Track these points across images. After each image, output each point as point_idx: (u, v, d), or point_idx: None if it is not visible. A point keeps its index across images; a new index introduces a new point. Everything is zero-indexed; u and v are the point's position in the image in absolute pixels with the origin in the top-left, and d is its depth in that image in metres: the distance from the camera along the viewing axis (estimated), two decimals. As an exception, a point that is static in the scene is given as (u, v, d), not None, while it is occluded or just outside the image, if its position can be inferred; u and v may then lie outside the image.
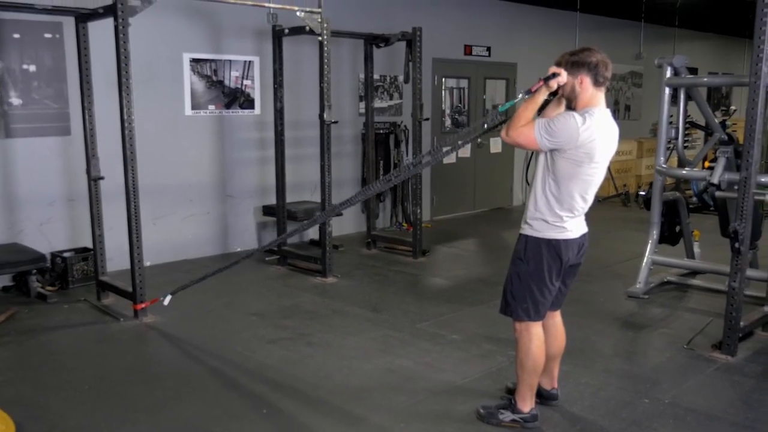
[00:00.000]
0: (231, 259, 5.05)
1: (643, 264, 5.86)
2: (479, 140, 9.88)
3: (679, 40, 13.06)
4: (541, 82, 3.25)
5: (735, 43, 15.08)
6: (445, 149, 3.88)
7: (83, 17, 5.34)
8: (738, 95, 15.33)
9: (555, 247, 3.32)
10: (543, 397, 3.71)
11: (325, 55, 5.97)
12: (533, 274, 3.36)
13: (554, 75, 3.22)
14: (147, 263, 5.76)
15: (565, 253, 3.34)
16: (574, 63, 3.24)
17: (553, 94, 3.32)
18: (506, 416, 3.52)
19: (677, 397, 3.84)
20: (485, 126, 4.09)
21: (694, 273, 6.18)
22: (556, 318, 3.65)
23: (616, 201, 10.84)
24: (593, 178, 3.28)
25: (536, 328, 3.43)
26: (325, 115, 6.05)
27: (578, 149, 3.15)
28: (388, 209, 8.81)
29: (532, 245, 3.36)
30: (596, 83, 3.24)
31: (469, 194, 10.04)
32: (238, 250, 7.39)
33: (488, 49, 9.83)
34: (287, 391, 3.96)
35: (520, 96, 3.35)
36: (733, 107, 12.81)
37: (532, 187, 3.40)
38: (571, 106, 3.29)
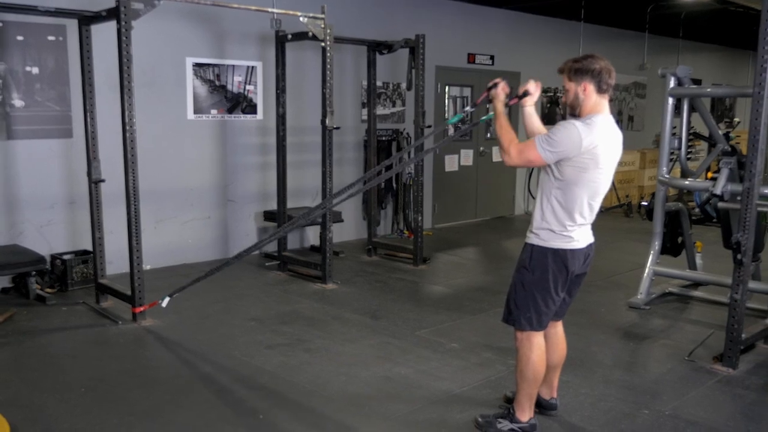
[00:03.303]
0: (231, 264, 5.01)
1: (645, 275, 5.84)
2: (481, 149, 9.88)
3: (683, 52, 13.05)
4: (486, 93, 3.46)
5: (739, 55, 15.07)
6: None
7: (86, 20, 5.34)
8: (742, 107, 15.32)
9: (561, 256, 3.29)
10: (542, 406, 3.68)
11: (328, 61, 5.97)
12: (538, 284, 3.33)
13: (495, 85, 3.41)
14: (147, 267, 5.75)
15: (572, 263, 3.31)
16: (577, 70, 3.23)
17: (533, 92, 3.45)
18: (504, 425, 3.48)
19: (678, 409, 3.81)
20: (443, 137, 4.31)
21: (696, 284, 6.15)
22: (558, 328, 3.62)
23: (618, 211, 10.81)
24: (599, 184, 3.25)
25: (537, 338, 3.40)
26: (327, 121, 6.04)
27: (582, 155, 3.13)
28: (389, 216, 8.79)
29: (537, 254, 3.33)
30: (600, 90, 3.22)
31: (471, 203, 10.02)
32: (239, 255, 7.36)
33: (492, 57, 9.83)
34: (284, 398, 3.93)
35: (467, 109, 3.59)
36: (736, 119, 12.80)
37: (537, 196, 3.38)
38: (575, 114, 3.28)
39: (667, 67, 5.69)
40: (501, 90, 3.42)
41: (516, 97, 3.48)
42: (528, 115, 3.56)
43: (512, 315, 3.43)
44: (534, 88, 3.46)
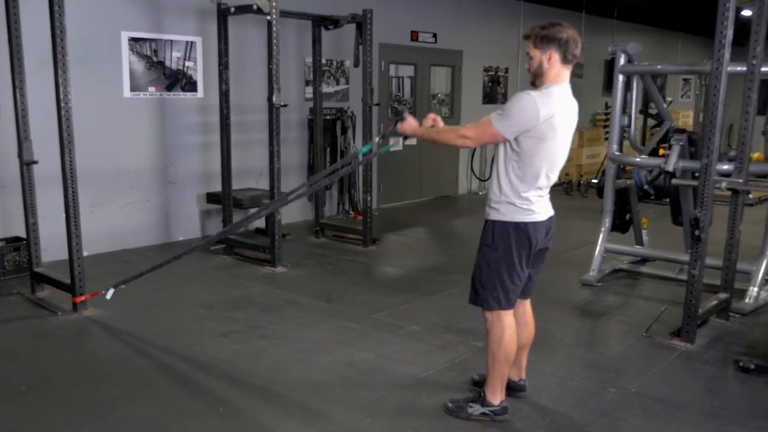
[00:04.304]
0: (173, 249, 4.79)
1: (596, 252, 5.87)
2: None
3: (618, 32, 13.24)
4: (392, 126, 3.54)
5: (669, 37, 15.41)
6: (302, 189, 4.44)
7: (14, -11, 4.96)
8: (672, 87, 15.68)
9: (523, 230, 3.21)
10: (511, 388, 3.60)
11: (275, 35, 5.72)
12: (502, 260, 3.25)
13: (403, 118, 3.47)
14: (85, 253, 5.42)
15: (534, 235, 3.23)
16: (543, 37, 3.13)
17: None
18: (476, 409, 3.40)
19: (643, 386, 3.81)
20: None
21: (643, 260, 6.22)
22: (526, 306, 3.55)
23: (558, 189, 10.93)
24: (557, 155, 3.19)
25: (508, 317, 3.32)
26: (274, 99, 5.82)
27: (540, 125, 3.05)
28: (334, 197, 8.62)
29: (499, 230, 3.24)
30: (564, 60, 3.15)
31: (415, 182, 9.94)
32: (181, 239, 7.08)
33: (434, 35, 9.72)
34: (243, 387, 3.76)
35: (377, 139, 3.77)
36: (669, 98, 13.11)
37: (493, 169, 3.29)
38: (535, 83, 3.20)
39: (617, 44, 5.70)
40: (409, 118, 3.45)
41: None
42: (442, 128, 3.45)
43: (479, 296, 3.34)
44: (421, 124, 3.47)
